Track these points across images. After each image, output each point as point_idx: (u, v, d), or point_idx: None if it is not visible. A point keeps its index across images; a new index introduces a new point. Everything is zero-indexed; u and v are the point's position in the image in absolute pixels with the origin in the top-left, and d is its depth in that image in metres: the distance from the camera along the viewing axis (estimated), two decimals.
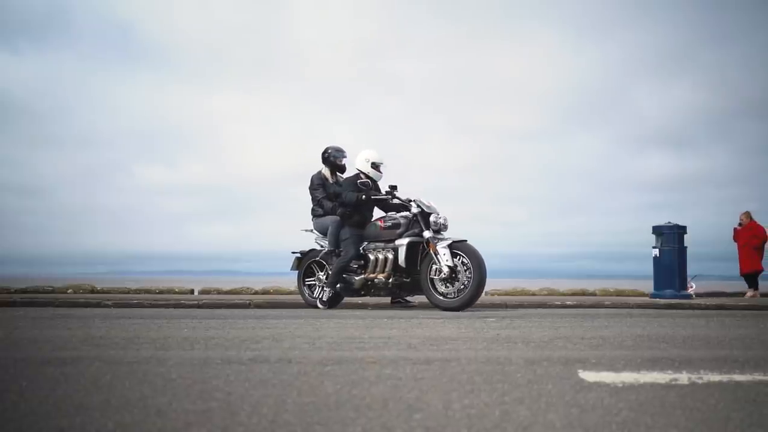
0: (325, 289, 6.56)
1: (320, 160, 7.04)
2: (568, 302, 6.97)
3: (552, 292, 9.12)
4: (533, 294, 8.86)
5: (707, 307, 6.95)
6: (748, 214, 10.04)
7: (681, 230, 9.12)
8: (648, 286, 9.55)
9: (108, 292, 8.38)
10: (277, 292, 8.74)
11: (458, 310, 5.85)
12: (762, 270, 9.81)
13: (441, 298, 5.99)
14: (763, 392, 1.77)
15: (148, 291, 8.53)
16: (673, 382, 1.90)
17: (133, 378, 1.96)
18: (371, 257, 6.44)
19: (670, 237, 9.07)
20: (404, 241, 6.29)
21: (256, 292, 8.61)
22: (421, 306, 6.66)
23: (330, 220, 6.71)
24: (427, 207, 6.36)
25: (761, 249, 9.83)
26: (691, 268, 9.32)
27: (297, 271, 7.02)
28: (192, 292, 8.63)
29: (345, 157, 7.05)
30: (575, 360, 2.36)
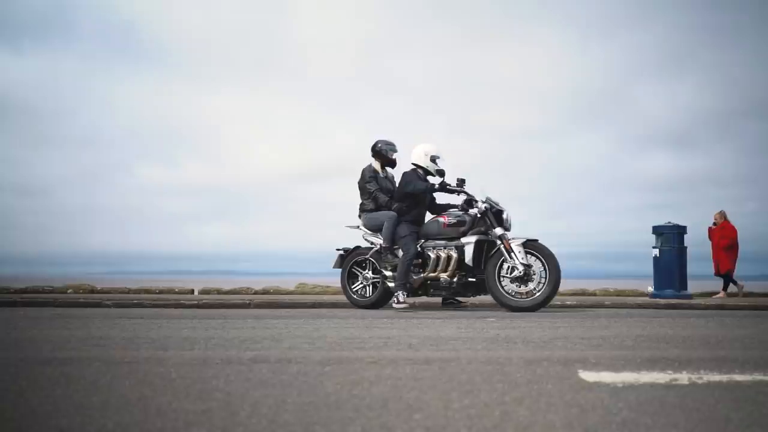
0: (396, 289, 6.17)
1: (370, 153, 6.78)
2: (568, 302, 6.97)
3: None
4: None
5: (707, 307, 6.95)
6: (722, 214, 10.04)
7: (681, 230, 9.13)
8: (648, 285, 9.55)
9: (108, 292, 8.38)
10: (277, 292, 8.74)
11: (532, 311, 5.68)
12: (731, 269, 9.77)
13: (512, 298, 5.81)
14: (763, 392, 1.77)
15: (148, 291, 8.53)
16: (673, 382, 1.90)
17: (133, 378, 1.96)
18: (431, 255, 6.18)
19: (670, 237, 9.07)
20: (472, 239, 6.07)
21: (256, 292, 8.61)
22: (473, 306, 6.53)
23: (385, 215, 6.40)
24: (496, 204, 6.14)
25: (733, 249, 9.83)
26: (691, 268, 9.32)
27: (340, 270, 6.75)
28: (192, 292, 8.63)
29: (396, 151, 6.77)
30: (575, 360, 2.36)
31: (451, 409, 1.54)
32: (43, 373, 2.06)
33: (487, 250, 6.10)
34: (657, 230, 9.22)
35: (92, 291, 8.37)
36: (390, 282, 6.34)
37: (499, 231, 5.98)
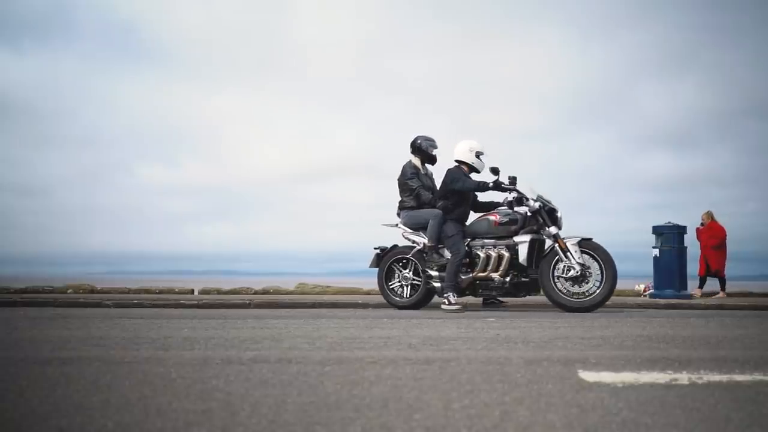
0: (447, 290, 5.95)
1: (409, 149, 6.58)
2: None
3: None
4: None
5: (707, 307, 6.95)
6: (709, 214, 10.09)
7: (681, 230, 9.14)
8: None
9: (108, 292, 8.38)
10: (277, 292, 8.74)
11: (588, 311, 5.60)
12: (717, 269, 9.79)
13: (569, 298, 5.70)
14: (763, 392, 1.77)
15: (148, 291, 8.53)
16: (673, 382, 1.90)
17: (133, 378, 1.96)
18: (480, 255, 5.99)
19: (670, 237, 9.08)
20: (525, 237, 5.90)
21: (256, 292, 8.61)
22: (514, 306, 6.45)
23: (430, 213, 6.19)
24: (548, 202, 5.99)
25: (722, 249, 9.85)
26: (691, 268, 9.34)
27: (377, 269, 6.52)
28: (192, 292, 8.63)
29: (436, 147, 6.56)
30: (575, 360, 2.36)
31: (451, 409, 1.54)
32: (43, 373, 2.06)
33: (539, 250, 5.96)
34: (657, 230, 9.22)
35: (92, 291, 8.37)
36: (436, 282, 6.15)
37: (553, 230, 5.85)
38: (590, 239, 5.85)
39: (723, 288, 9.71)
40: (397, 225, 6.56)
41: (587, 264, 5.72)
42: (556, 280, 5.79)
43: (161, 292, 8.43)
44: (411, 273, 6.40)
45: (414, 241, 6.38)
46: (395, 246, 6.56)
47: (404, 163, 6.54)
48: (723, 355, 2.52)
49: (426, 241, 6.20)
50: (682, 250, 9.10)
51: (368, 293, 8.63)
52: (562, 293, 5.76)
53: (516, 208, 6.13)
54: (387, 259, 6.51)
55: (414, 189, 6.34)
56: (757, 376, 2.02)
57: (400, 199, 6.52)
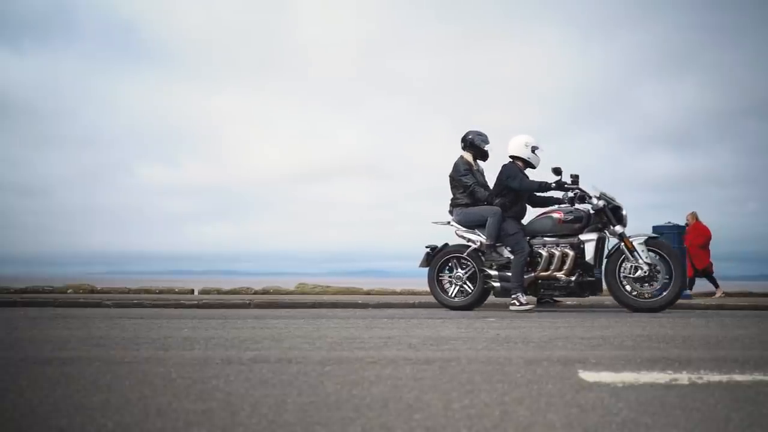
0: (515, 290, 5.80)
1: (460, 145, 6.41)
2: (568, 302, 6.97)
3: None
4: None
5: (707, 307, 6.94)
6: (694, 215, 10.21)
7: (681, 230, 9.13)
8: None
9: (108, 292, 8.38)
10: (277, 292, 8.74)
11: (657, 311, 5.48)
12: (704, 268, 9.91)
13: (636, 298, 5.58)
14: (763, 392, 1.77)
15: (148, 291, 8.53)
16: (673, 382, 1.90)
17: (133, 378, 1.96)
18: (543, 253, 5.84)
19: (670, 237, 9.08)
20: (592, 236, 5.76)
21: (256, 292, 8.61)
22: (569, 307, 6.37)
23: (488, 211, 6.03)
24: (611, 199, 5.83)
25: (706, 249, 9.95)
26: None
27: (427, 269, 6.33)
28: (192, 292, 8.63)
29: (488, 142, 6.40)
30: (575, 360, 2.36)
31: (451, 409, 1.54)
32: (43, 373, 2.06)
33: (600, 248, 5.82)
34: (657, 230, 9.22)
35: (92, 291, 8.37)
36: (495, 282, 6.02)
37: (619, 229, 5.71)
38: (657, 237, 5.74)
39: (716, 285, 9.80)
40: (449, 223, 6.37)
41: (655, 263, 5.58)
42: (622, 280, 5.65)
43: (161, 292, 8.43)
44: (464, 272, 6.21)
45: (469, 240, 6.18)
46: (446, 245, 6.35)
47: (456, 159, 6.35)
48: (723, 355, 2.52)
49: (483, 239, 6.04)
50: (682, 251, 9.10)
51: (368, 293, 8.63)
52: (630, 293, 5.62)
53: (577, 206, 5.96)
54: (438, 259, 6.30)
55: (469, 186, 6.17)
56: (757, 376, 2.02)
57: (452, 196, 6.34)
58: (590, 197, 5.88)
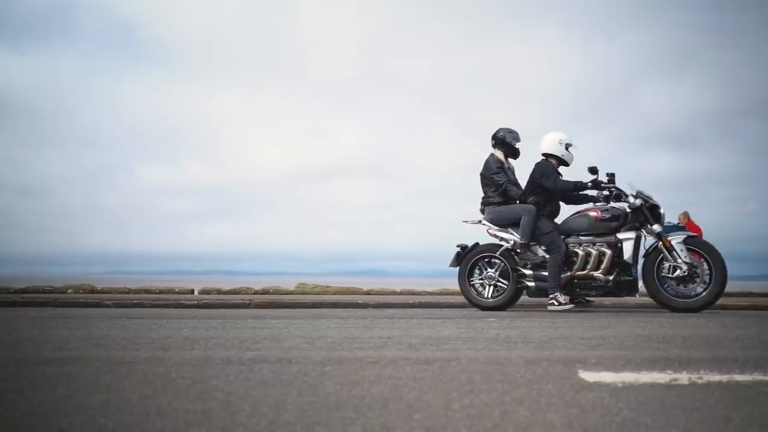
0: (553, 290, 5.72)
1: (491, 142, 6.33)
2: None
3: None
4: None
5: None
6: (685, 214, 10.21)
7: (681, 230, 9.13)
8: None
9: (108, 292, 8.38)
10: (277, 292, 8.74)
11: (696, 312, 5.39)
12: None
13: (675, 298, 5.49)
14: (763, 392, 1.77)
15: (148, 291, 8.53)
16: (673, 382, 1.90)
17: (133, 378, 1.96)
18: (579, 252, 5.75)
19: None
20: (630, 234, 5.68)
21: (256, 292, 8.61)
22: (602, 306, 6.29)
23: (522, 209, 5.93)
24: (649, 198, 5.73)
25: None
26: None
27: (458, 268, 6.21)
28: (192, 292, 8.64)
29: (519, 140, 6.30)
30: (575, 360, 2.36)
31: (451, 409, 1.54)
32: (43, 373, 2.06)
33: (637, 247, 5.75)
34: None
35: (92, 291, 8.37)
36: (530, 281, 5.94)
37: (657, 228, 5.62)
38: (695, 236, 5.65)
39: None
40: (480, 222, 6.27)
41: (694, 263, 5.49)
42: (660, 280, 5.57)
43: (161, 292, 8.43)
44: (497, 272, 6.10)
45: (502, 239, 6.09)
46: (477, 244, 6.25)
47: (487, 157, 6.26)
48: (723, 355, 2.52)
49: (517, 238, 5.95)
50: None
51: (368, 293, 8.63)
52: (669, 293, 5.54)
53: (612, 204, 5.88)
54: (469, 258, 6.18)
55: (501, 184, 6.08)
56: (757, 376, 2.02)
57: (483, 194, 6.25)
58: (626, 196, 5.79)
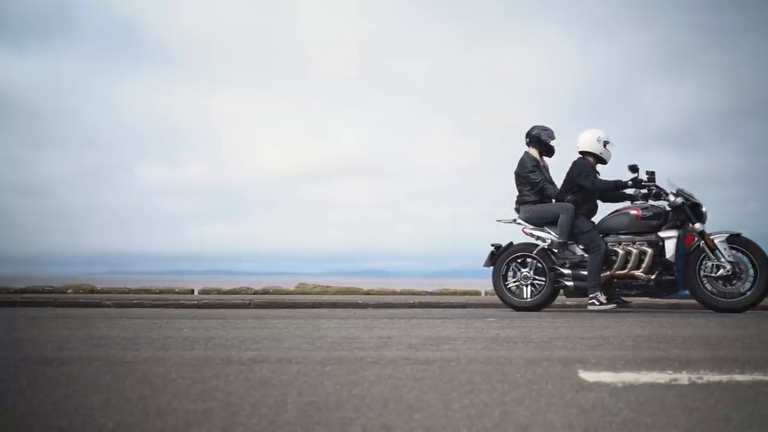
0: (593, 290, 5.59)
1: (524, 140, 6.23)
2: (568, 302, 6.97)
3: None
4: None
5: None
6: None
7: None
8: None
9: (108, 292, 8.38)
10: (277, 292, 8.74)
11: (740, 311, 5.27)
12: None
13: (718, 298, 5.38)
14: (763, 392, 1.77)
15: (148, 291, 8.53)
16: (673, 382, 1.90)
17: (133, 378, 1.96)
18: (619, 251, 5.63)
19: None
20: (672, 233, 5.54)
21: (256, 292, 8.61)
22: (639, 306, 6.22)
23: (560, 208, 5.83)
24: (690, 196, 5.61)
25: None
26: None
27: (491, 268, 6.09)
28: (192, 292, 8.64)
29: (554, 138, 6.20)
30: (575, 360, 2.36)
31: (451, 409, 1.54)
32: (43, 373, 2.06)
33: (678, 246, 5.60)
34: None
35: (92, 291, 8.37)
36: (568, 281, 5.84)
37: (699, 226, 5.51)
38: (739, 234, 5.52)
39: None
40: (514, 221, 6.18)
41: (737, 262, 5.37)
42: (703, 280, 5.47)
43: (161, 292, 8.43)
44: (531, 271, 5.99)
45: (539, 237, 5.97)
46: (511, 243, 6.12)
47: (522, 155, 6.17)
48: (723, 355, 2.52)
49: (555, 237, 5.85)
50: None
51: (368, 293, 8.63)
52: (712, 293, 5.44)
53: (651, 202, 5.77)
54: (504, 258, 6.07)
55: (537, 183, 5.98)
56: (757, 376, 2.02)
57: (517, 193, 6.15)
58: (667, 194, 5.68)
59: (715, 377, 1.99)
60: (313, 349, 2.68)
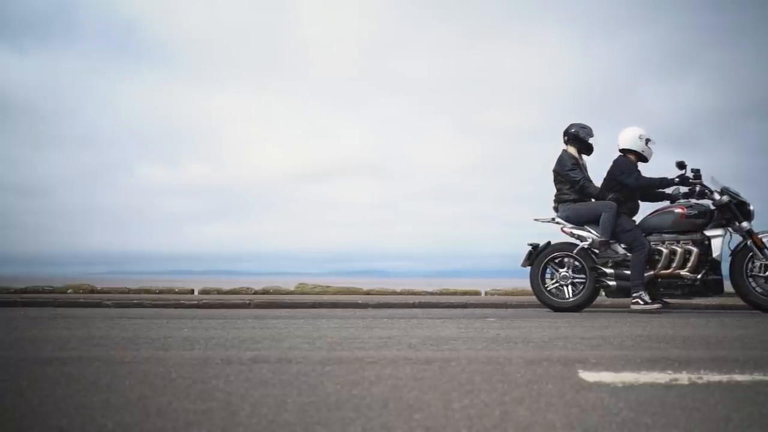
0: (637, 289, 5.48)
1: (562, 138, 6.13)
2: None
3: None
4: (533, 294, 8.85)
5: (707, 307, 6.93)
6: None
7: None
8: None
9: (108, 292, 8.38)
10: (277, 292, 8.74)
11: None
12: None
13: (765, 297, 5.26)
14: (763, 392, 1.77)
15: (148, 291, 8.53)
16: (673, 382, 1.90)
17: (133, 378, 1.96)
18: (663, 250, 5.52)
19: None
20: (718, 231, 5.44)
21: (256, 292, 8.61)
22: (680, 306, 6.12)
23: (602, 206, 5.72)
24: (736, 194, 5.48)
25: None
26: None
27: (530, 268, 5.96)
28: (192, 292, 8.63)
29: (593, 135, 6.10)
30: (575, 360, 2.36)
31: (451, 409, 1.54)
32: (43, 373, 2.06)
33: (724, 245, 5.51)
34: None
35: (92, 291, 8.37)
36: (610, 280, 5.72)
37: (746, 225, 5.37)
38: None
39: None
40: (553, 219, 6.07)
41: None
42: (750, 279, 5.35)
43: (161, 292, 8.43)
44: (570, 271, 5.88)
45: (579, 236, 5.85)
46: (549, 243, 5.99)
47: (560, 153, 6.09)
48: (723, 355, 2.52)
49: (596, 236, 5.74)
50: None
51: (368, 293, 8.63)
52: (760, 293, 5.32)
53: (693, 201, 5.66)
54: (542, 257, 5.94)
55: (578, 181, 5.88)
56: (757, 376, 2.02)
57: (556, 192, 6.06)
58: (712, 192, 5.55)
59: (715, 377, 1.99)
60: (313, 349, 2.68)
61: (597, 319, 4.80)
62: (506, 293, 9.01)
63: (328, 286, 9.34)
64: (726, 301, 7.65)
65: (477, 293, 8.72)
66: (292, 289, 9.25)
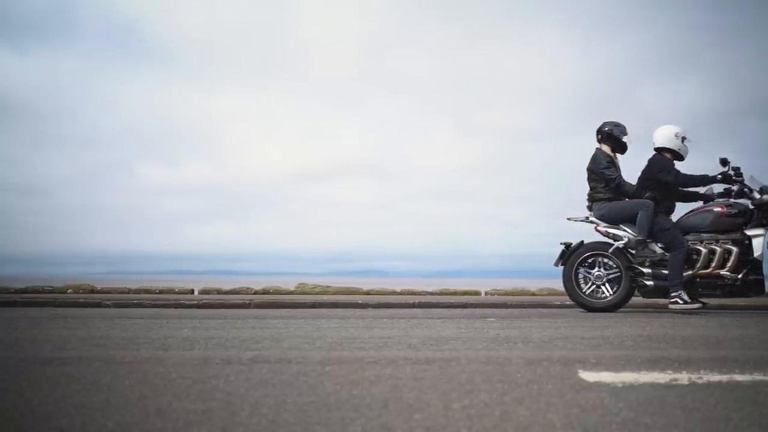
0: (675, 289, 5.37)
1: (596, 137, 6.06)
2: (568, 302, 6.97)
3: (552, 292, 9.12)
4: (533, 294, 8.85)
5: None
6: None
7: None
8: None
9: (108, 292, 8.38)
10: (277, 292, 8.74)
11: None
12: None
13: None
14: (763, 392, 1.77)
15: (148, 291, 8.53)
16: (673, 382, 1.90)
17: (133, 378, 1.96)
18: (702, 249, 5.42)
19: None
20: (759, 231, 5.33)
21: (256, 292, 8.61)
22: (716, 308, 6.06)
23: (639, 204, 5.63)
24: None
25: None
26: None
27: (562, 267, 5.86)
28: (192, 292, 8.63)
29: (627, 134, 5.99)
30: (575, 360, 2.36)
31: (451, 409, 1.54)
32: (43, 373, 2.06)
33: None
34: None
35: (92, 291, 8.37)
36: (648, 280, 5.62)
37: None
38: None
39: None
40: (586, 218, 5.98)
41: None
42: None
43: (161, 292, 8.43)
44: (603, 270, 5.77)
45: (615, 236, 5.75)
46: (582, 242, 5.89)
47: (594, 151, 6.02)
48: (723, 355, 2.52)
49: (632, 235, 5.66)
50: None
51: (368, 293, 8.63)
52: None
53: (731, 200, 5.57)
54: (575, 257, 5.82)
55: (613, 179, 5.80)
56: (757, 376, 2.02)
57: (589, 190, 5.98)
58: (751, 191, 5.45)
59: (715, 377, 1.99)
60: (313, 349, 2.68)
61: (597, 319, 4.80)
62: (506, 293, 9.02)
63: (328, 286, 9.34)
64: (726, 302, 7.63)
65: (477, 293, 8.73)
66: (292, 289, 9.25)
